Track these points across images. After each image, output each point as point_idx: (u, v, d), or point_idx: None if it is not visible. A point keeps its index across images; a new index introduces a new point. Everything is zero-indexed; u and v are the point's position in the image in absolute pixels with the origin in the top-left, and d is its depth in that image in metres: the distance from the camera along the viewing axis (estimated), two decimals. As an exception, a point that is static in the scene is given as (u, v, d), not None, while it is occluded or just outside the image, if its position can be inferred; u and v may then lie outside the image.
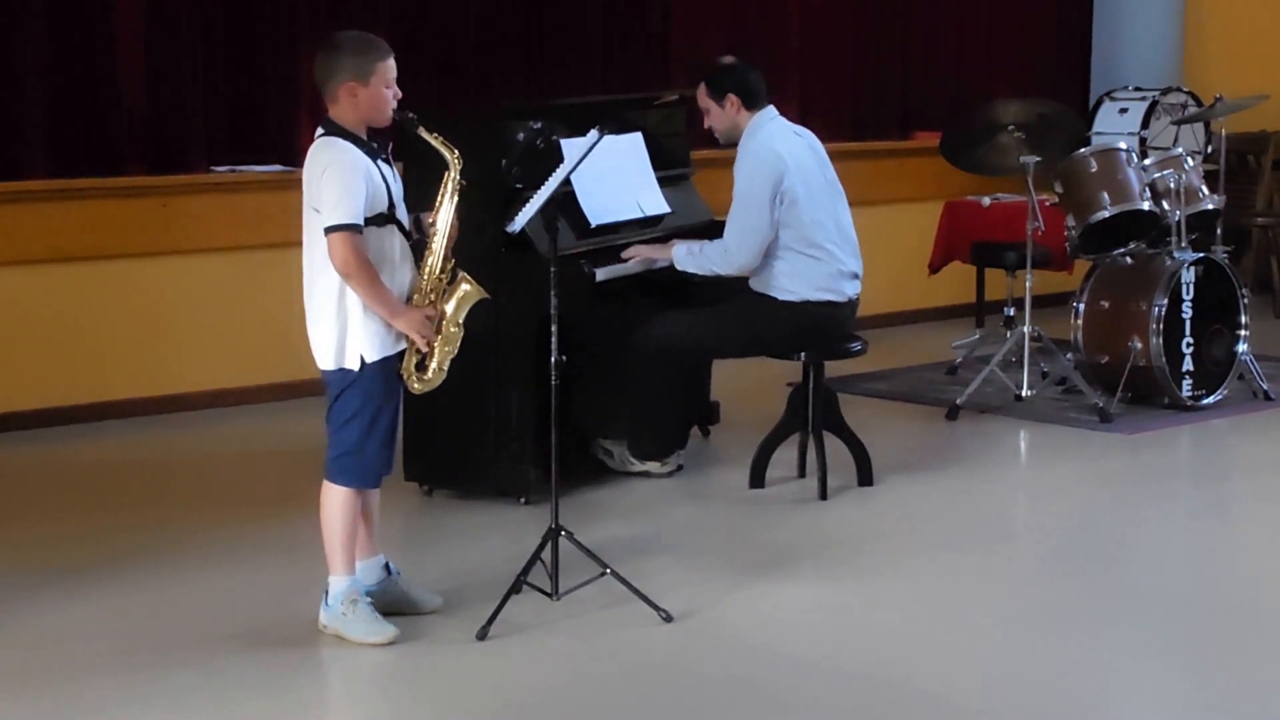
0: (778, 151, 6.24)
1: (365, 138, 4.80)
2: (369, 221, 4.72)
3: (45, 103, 7.56)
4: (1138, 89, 10.17)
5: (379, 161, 4.79)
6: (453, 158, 4.85)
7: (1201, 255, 7.66)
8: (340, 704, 4.73)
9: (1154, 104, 9.92)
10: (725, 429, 7.21)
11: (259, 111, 8.14)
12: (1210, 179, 8.14)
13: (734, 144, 6.38)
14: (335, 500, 4.85)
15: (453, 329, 4.80)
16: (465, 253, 4.94)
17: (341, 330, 4.76)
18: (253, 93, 8.11)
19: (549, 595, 5.06)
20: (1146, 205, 7.65)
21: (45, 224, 7.45)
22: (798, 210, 6.22)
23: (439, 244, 4.82)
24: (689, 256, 6.31)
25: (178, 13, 7.83)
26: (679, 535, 5.94)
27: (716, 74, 6.38)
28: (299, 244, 4.81)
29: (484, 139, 6.06)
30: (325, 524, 4.87)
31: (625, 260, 6.34)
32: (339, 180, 4.68)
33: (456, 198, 4.83)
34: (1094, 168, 7.67)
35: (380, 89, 4.77)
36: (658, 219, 6.61)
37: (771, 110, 6.39)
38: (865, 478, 6.51)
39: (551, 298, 5.06)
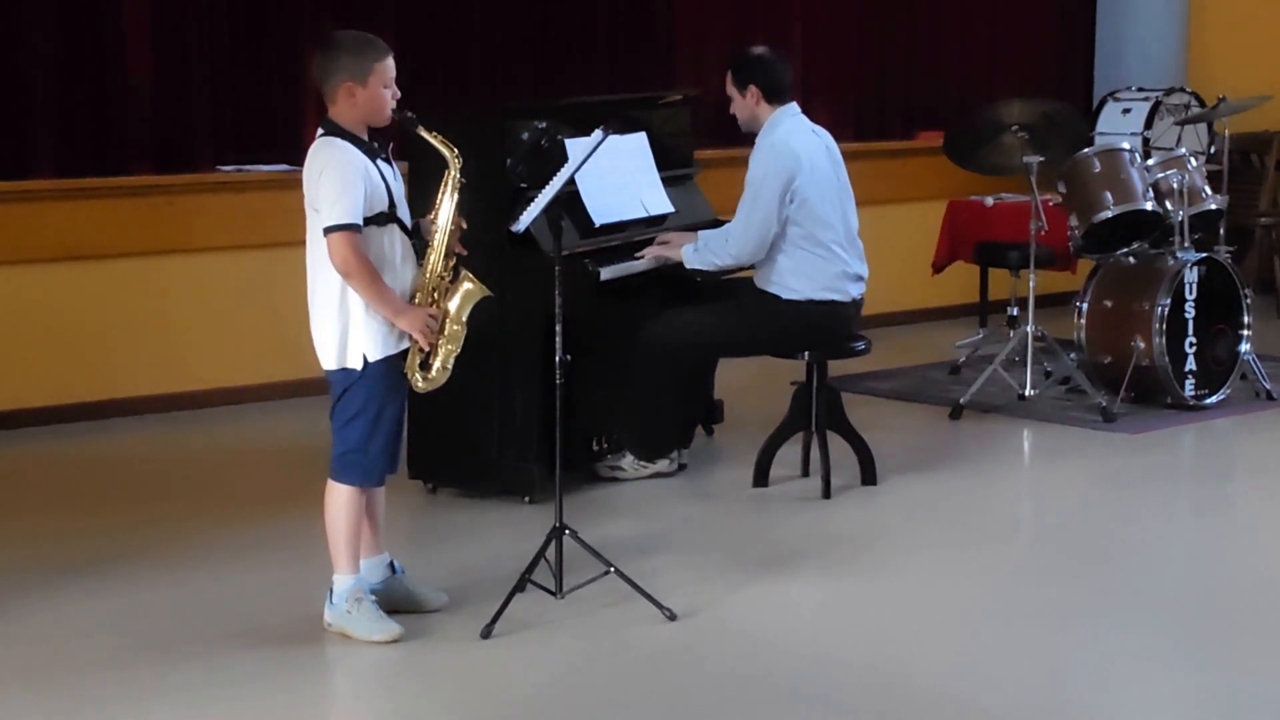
0: (794, 149, 6.26)
1: (365, 137, 4.81)
2: (369, 221, 4.73)
3: (52, 102, 7.58)
4: (1141, 89, 10.17)
5: (378, 161, 4.80)
6: (452, 156, 4.86)
7: (1204, 255, 7.67)
8: (345, 702, 4.75)
9: (1157, 104, 9.93)
10: (729, 428, 7.22)
11: (265, 111, 8.16)
12: (1213, 179, 8.15)
13: (753, 134, 6.40)
14: (339, 498, 4.87)
15: (455, 327, 4.82)
16: (470, 252, 4.96)
17: (343, 330, 4.77)
18: (259, 92, 8.13)
19: (553, 594, 5.07)
20: (1150, 205, 7.66)
21: (52, 223, 7.48)
22: (808, 209, 6.24)
23: (439, 241, 4.84)
24: (696, 254, 6.34)
25: (185, 12, 7.85)
26: (683, 534, 5.95)
27: (743, 64, 6.41)
28: (304, 243, 4.83)
29: (488, 138, 6.08)
30: (330, 522, 4.89)
31: (631, 260, 6.35)
32: (337, 180, 4.69)
33: (457, 195, 4.84)
34: (1097, 168, 7.68)
35: (378, 89, 4.78)
36: (662, 218, 6.63)
37: (793, 107, 6.40)
38: (869, 477, 6.52)
39: (556, 297, 5.07)
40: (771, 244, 6.27)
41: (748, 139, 6.47)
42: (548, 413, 5.44)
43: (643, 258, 6.38)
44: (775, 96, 6.36)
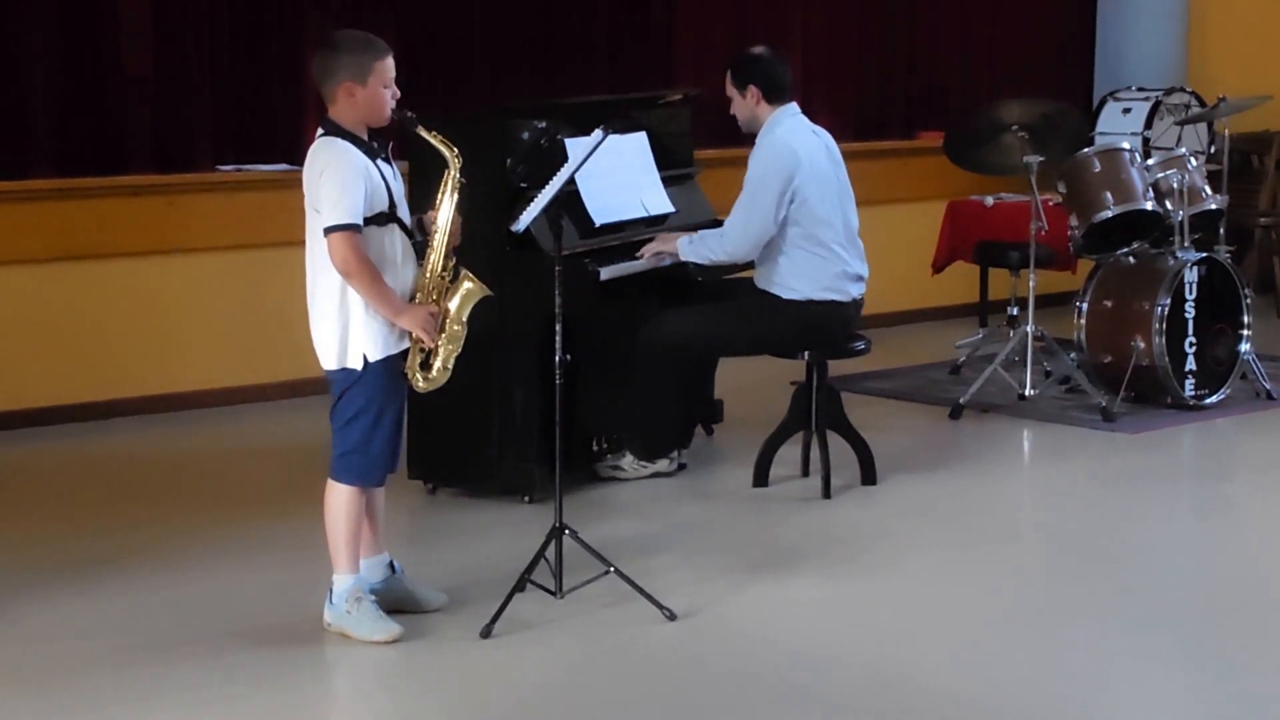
0: (794, 149, 6.26)
1: (365, 137, 4.81)
2: (369, 221, 4.73)
3: (52, 102, 7.58)
4: (1141, 89, 10.17)
5: (379, 161, 4.80)
6: (452, 156, 4.86)
7: (1204, 255, 7.67)
8: (345, 702, 4.75)
9: (1157, 104, 9.93)
10: (729, 428, 7.22)
11: (265, 110, 8.16)
12: (1213, 179, 8.15)
13: (753, 134, 6.40)
14: (340, 498, 4.87)
15: (456, 327, 4.82)
16: (470, 251, 4.96)
17: (344, 329, 4.77)
18: (258, 92, 8.13)
19: (553, 594, 5.07)
20: (1150, 205, 7.67)
21: (52, 223, 7.47)
22: (807, 209, 6.24)
23: (439, 241, 4.84)
24: (690, 246, 6.35)
25: (185, 12, 7.85)
26: (682, 534, 5.95)
27: (742, 64, 6.42)
28: (304, 243, 4.83)
29: (489, 138, 6.08)
30: (330, 522, 4.89)
31: (631, 259, 6.36)
32: (337, 180, 4.69)
33: (457, 195, 4.84)
34: (1097, 168, 7.68)
35: (378, 89, 4.78)
36: (662, 218, 6.63)
37: (793, 107, 6.40)
38: (868, 476, 6.52)
39: (556, 296, 5.07)
40: (772, 244, 6.27)
41: (748, 139, 6.47)
42: (548, 412, 5.44)
43: (641, 257, 6.38)
44: (775, 96, 6.36)
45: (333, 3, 8.16)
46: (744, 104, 6.39)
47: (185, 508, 6.27)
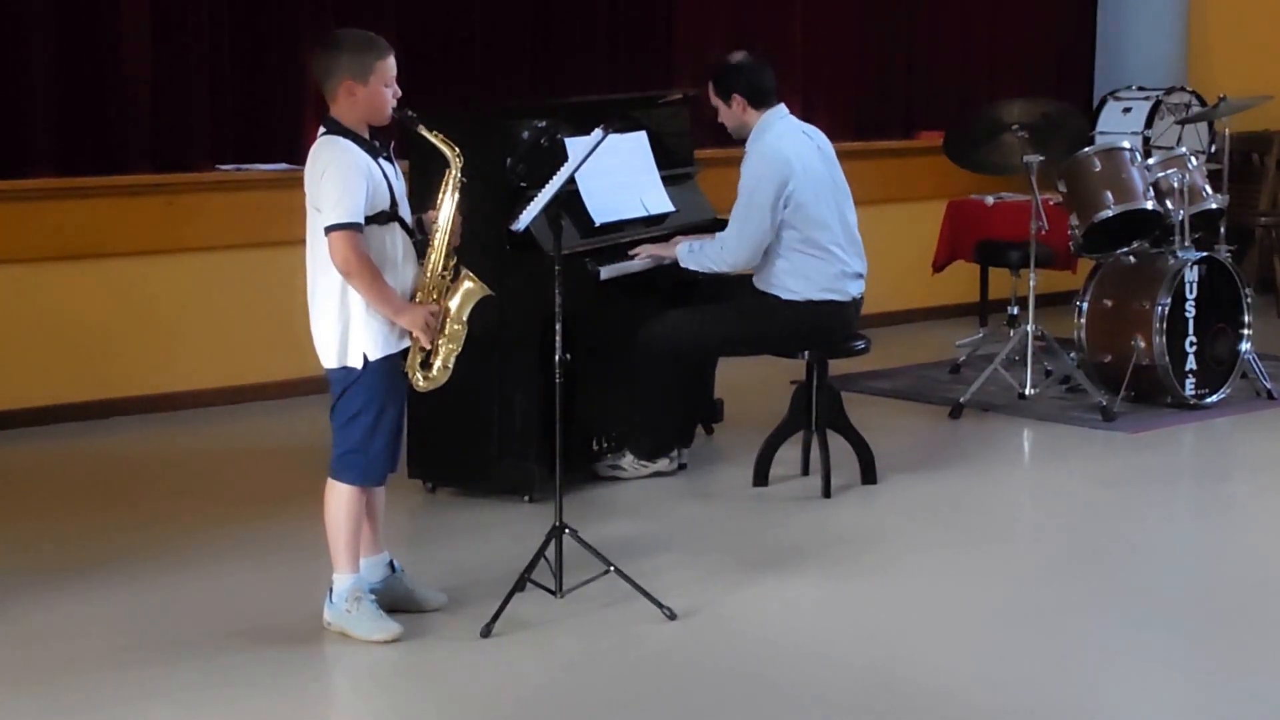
0: (785, 155, 6.25)
1: (367, 136, 4.81)
2: (370, 220, 4.73)
3: (51, 101, 7.58)
4: (1141, 88, 10.16)
5: (380, 159, 4.80)
6: (453, 155, 4.86)
7: (1205, 254, 7.67)
8: (344, 701, 4.75)
9: (1158, 103, 9.92)
10: (729, 427, 7.22)
11: (265, 110, 8.15)
12: (1214, 178, 8.15)
13: (744, 140, 6.40)
14: (340, 498, 4.87)
15: (456, 326, 4.82)
16: (470, 251, 4.96)
17: (344, 328, 4.77)
18: (258, 91, 8.12)
19: (553, 593, 5.07)
20: (1150, 205, 7.66)
21: (51, 222, 7.47)
22: (803, 213, 6.23)
23: (440, 240, 4.84)
24: (690, 255, 6.34)
25: (184, 11, 7.85)
26: (682, 533, 5.95)
27: (722, 73, 6.40)
28: (304, 242, 4.83)
29: (489, 137, 6.08)
30: (330, 521, 4.89)
31: (631, 259, 6.36)
32: (339, 179, 4.69)
33: (458, 195, 4.84)
34: (1098, 167, 7.68)
35: (379, 88, 4.78)
36: (662, 217, 6.63)
37: (781, 109, 6.39)
38: (869, 476, 6.52)
39: (556, 296, 5.07)
40: (769, 247, 6.26)
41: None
42: (548, 412, 5.44)
43: (637, 256, 6.37)
44: (760, 101, 6.35)
45: (332, 2, 8.16)
46: (730, 113, 6.38)
47: (185, 508, 6.27)
